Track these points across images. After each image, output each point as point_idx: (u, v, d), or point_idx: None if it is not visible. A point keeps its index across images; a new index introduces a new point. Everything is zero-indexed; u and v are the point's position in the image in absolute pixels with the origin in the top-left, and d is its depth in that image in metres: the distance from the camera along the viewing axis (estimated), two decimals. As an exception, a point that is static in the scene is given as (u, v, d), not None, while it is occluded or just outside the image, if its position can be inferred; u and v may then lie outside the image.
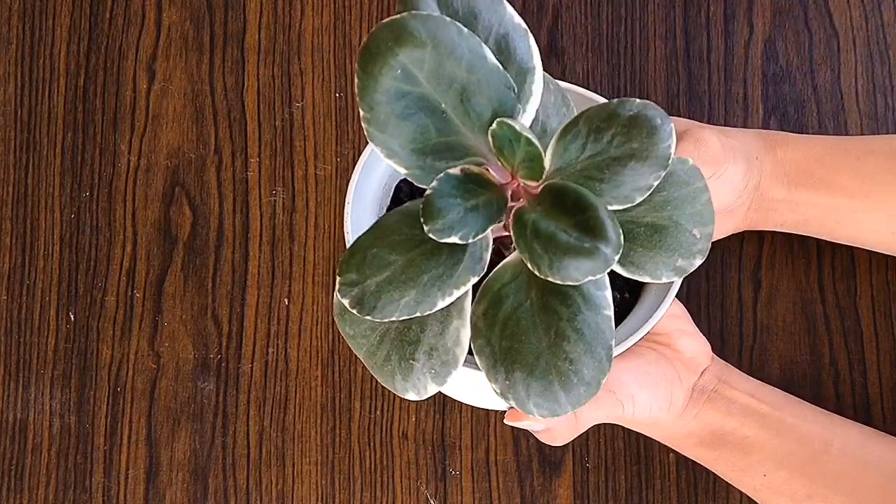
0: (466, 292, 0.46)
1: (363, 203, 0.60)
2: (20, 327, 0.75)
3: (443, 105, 0.45)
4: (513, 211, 0.45)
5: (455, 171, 0.44)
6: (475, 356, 0.46)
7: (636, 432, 0.72)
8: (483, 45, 0.45)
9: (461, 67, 0.44)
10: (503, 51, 0.48)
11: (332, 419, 0.73)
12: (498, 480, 0.72)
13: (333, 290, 0.75)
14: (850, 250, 0.75)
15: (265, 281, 0.75)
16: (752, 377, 0.68)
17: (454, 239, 0.43)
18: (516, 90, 0.46)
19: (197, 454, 0.73)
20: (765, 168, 0.68)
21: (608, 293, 0.46)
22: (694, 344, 0.66)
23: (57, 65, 0.80)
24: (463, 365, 0.48)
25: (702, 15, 0.80)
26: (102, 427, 0.73)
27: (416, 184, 0.45)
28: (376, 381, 0.74)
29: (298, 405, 0.74)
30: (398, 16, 0.44)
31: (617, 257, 0.41)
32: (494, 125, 0.44)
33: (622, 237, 0.42)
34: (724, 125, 0.78)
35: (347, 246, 0.56)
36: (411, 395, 0.49)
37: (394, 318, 0.45)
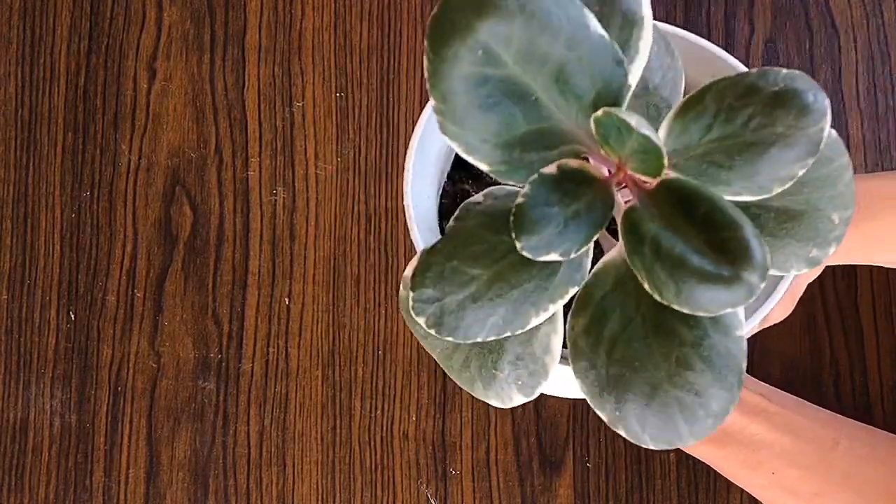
0: None
1: (423, 173, 0.54)
2: (20, 327, 0.75)
3: (534, 89, 0.37)
4: (622, 211, 0.38)
5: (550, 169, 0.37)
6: (577, 379, 0.40)
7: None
8: (585, 11, 0.36)
9: (558, 43, 0.36)
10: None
11: (333, 419, 0.73)
12: (498, 480, 0.72)
13: (333, 288, 0.75)
14: (851, 250, 0.75)
15: (265, 280, 0.75)
16: (753, 377, 0.69)
17: (553, 257, 0.37)
18: (625, 63, 0.38)
19: (197, 454, 0.73)
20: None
21: (741, 311, 0.38)
22: None
23: (57, 64, 0.80)
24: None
25: (702, 14, 0.80)
26: (103, 427, 0.73)
27: (500, 181, 0.39)
28: (377, 381, 0.74)
29: (299, 405, 0.73)
30: None
31: (763, 284, 0.34)
32: (599, 113, 0.36)
33: (769, 258, 0.35)
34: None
35: (409, 222, 0.52)
36: (494, 403, 0.44)
37: (479, 339, 0.39)
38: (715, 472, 0.70)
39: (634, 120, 0.35)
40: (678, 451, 0.70)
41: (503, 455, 0.72)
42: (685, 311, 0.35)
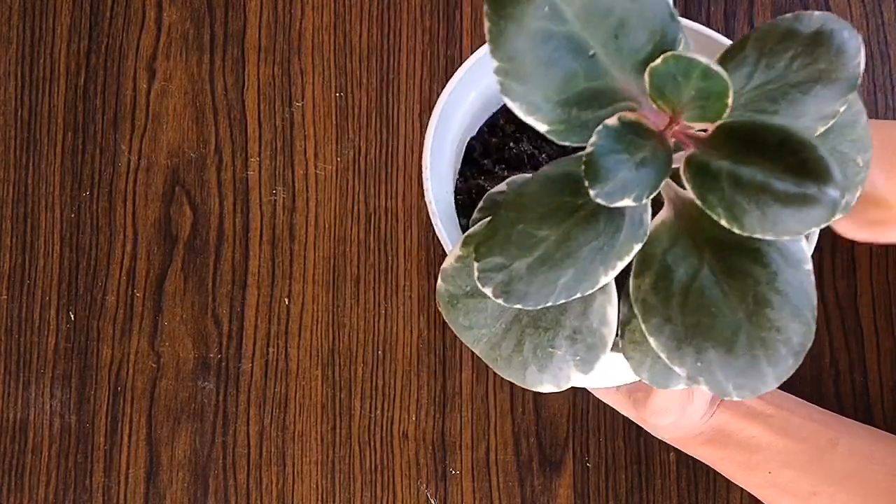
0: None
1: (439, 170, 0.55)
2: (20, 327, 0.75)
3: (591, 45, 0.38)
4: (685, 159, 0.39)
5: (612, 121, 0.38)
6: (650, 337, 0.40)
7: (636, 431, 0.72)
8: None
9: None
10: None
11: (333, 419, 0.73)
12: (498, 480, 0.72)
13: (333, 288, 0.75)
14: (851, 248, 0.75)
15: (265, 280, 0.75)
16: None
17: (627, 202, 0.37)
18: (677, 16, 0.39)
19: (197, 454, 0.73)
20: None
21: (805, 244, 0.40)
22: None
23: (57, 64, 0.80)
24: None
25: (702, 14, 0.80)
26: (103, 427, 0.73)
27: (556, 141, 0.39)
28: (377, 381, 0.74)
29: (298, 405, 0.73)
30: None
31: (844, 201, 0.36)
32: (659, 61, 0.37)
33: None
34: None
35: (434, 219, 0.52)
36: (547, 388, 0.44)
37: (548, 304, 0.39)
38: (715, 471, 0.70)
39: (705, 59, 0.36)
40: (678, 451, 0.70)
41: (503, 455, 0.72)
42: (769, 237, 0.36)
